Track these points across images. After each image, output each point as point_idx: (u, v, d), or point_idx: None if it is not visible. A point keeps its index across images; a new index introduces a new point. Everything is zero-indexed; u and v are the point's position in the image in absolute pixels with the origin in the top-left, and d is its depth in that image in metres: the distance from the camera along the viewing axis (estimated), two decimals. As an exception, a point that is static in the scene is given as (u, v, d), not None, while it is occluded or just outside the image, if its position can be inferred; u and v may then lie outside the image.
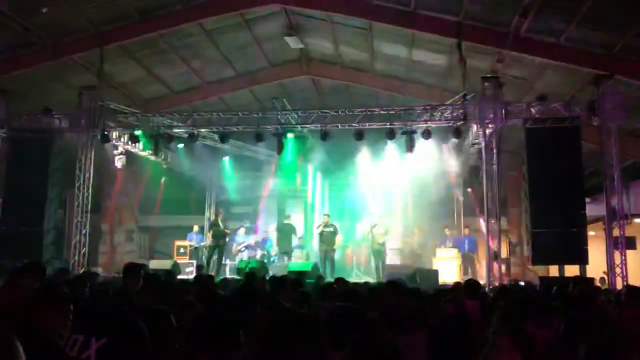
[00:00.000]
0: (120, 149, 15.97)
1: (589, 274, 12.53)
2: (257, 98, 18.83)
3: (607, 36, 12.07)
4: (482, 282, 13.25)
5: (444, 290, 7.44)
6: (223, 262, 17.16)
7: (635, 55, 12.23)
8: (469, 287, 6.93)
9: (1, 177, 14.45)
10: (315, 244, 17.36)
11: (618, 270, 11.99)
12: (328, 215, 16.40)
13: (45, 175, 14.07)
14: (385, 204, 17.14)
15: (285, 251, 16.74)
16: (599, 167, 13.21)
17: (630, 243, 13.11)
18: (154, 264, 14.74)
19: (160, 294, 5.38)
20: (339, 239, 16.22)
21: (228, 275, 15.12)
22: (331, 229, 16.01)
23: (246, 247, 17.38)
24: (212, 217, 17.02)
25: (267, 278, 8.70)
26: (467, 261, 15.75)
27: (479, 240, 15.83)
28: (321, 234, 16.07)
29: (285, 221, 17.60)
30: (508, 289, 9.26)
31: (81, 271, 13.10)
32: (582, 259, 12.40)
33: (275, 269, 14.50)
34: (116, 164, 16.22)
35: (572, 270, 13.50)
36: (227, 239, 16.60)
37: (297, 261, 15.95)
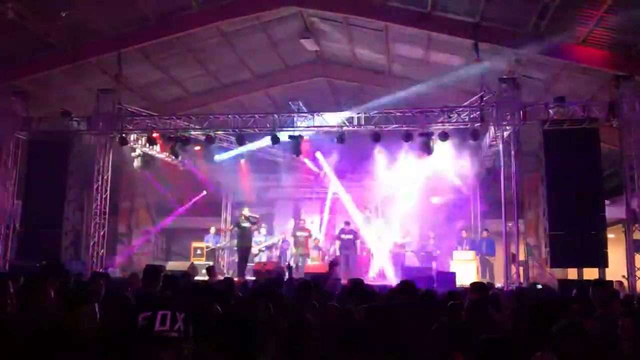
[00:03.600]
0: (138, 151, 16.08)
1: (609, 277, 12.38)
2: (273, 100, 18.88)
3: (626, 37, 11.95)
4: (499, 285, 13.21)
5: (458, 293, 7.36)
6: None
7: (655, 55, 12.10)
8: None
9: (21, 179, 14.61)
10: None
11: (639, 274, 11.84)
12: (348, 223, 16.58)
13: (64, 177, 14.20)
14: (402, 205, 17.08)
15: (301, 254, 16.79)
16: (618, 169, 13.05)
17: (651, 246, 12.92)
18: (171, 266, 14.83)
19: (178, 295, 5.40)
20: (357, 243, 16.41)
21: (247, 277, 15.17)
22: (350, 236, 16.18)
23: (266, 247, 17.45)
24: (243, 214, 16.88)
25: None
26: (485, 264, 15.65)
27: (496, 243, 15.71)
28: (341, 239, 16.25)
29: (300, 226, 17.61)
30: (524, 291, 9.22)
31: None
32: (601, 262, 12.24)
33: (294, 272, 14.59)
34: (134, 166, 16.34)
35: (591, 273, 13.35)
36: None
37: (314, 263, 16.04)
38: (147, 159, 16.43)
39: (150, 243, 20.91)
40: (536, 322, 3.80)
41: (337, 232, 17.38)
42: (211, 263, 16.84)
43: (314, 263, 16.19)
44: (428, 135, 13.71)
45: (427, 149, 13.83)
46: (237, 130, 14.67)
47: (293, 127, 14.34)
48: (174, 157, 16.53)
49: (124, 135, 14.62)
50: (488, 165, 16.13)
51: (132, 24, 14.31)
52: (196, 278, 12.02)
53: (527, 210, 17.97)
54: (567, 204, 12.23)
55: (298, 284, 6.16)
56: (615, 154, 12.91)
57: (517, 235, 12.97)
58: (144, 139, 15.59)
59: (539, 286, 11.57)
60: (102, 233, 14.39)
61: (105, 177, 14.54)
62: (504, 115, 12.82)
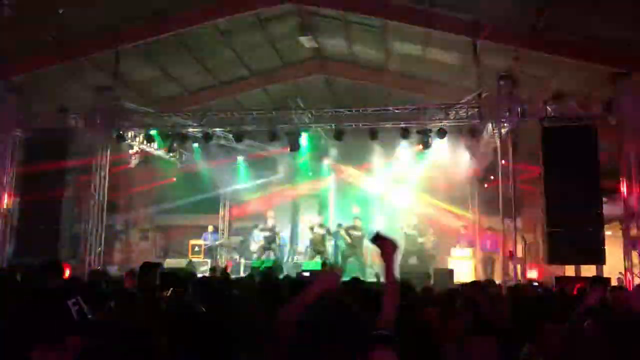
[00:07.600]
0: (136, 149, 16.05)
1: (606, 275, 12.39)
2: (271, 97, 18.85)
3: (625, 33, 11.92)
4: (498, 281, 13.20)
5: (456, 291, 7.36)
6: (237, 260, 17.29)
7: (654, 53, 12.07)
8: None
9: (18, 176, 14.57)
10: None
11: (636, 270, 11.85)
12: (359, 218, 16.34)
13: (62, 175, 14.16)
14: (400, 203, 17.08)
15: (319, 251, 16.56)
16: (616, 166, 13.05)
17: (648, 243, 12.92)
18: (169, 263, 14.82)
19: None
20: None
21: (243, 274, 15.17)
22: (360, 233, 15.93)
23: (264, 243, 17.45)
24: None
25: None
26: (488, 261, 15.62)
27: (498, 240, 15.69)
28: (352, 237, 15.98)
29: (318, 224, 17.46)
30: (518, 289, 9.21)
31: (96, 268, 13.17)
32: (598, 259, 12.24)
33: (289, 268, 14.62)
34: (131, 164, 16.31)
35: (588, 271, 13.35)
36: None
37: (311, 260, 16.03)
38: (144, 156, 16.42)
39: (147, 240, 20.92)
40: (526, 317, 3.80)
41: (342, 226, 16.82)
42: (209, 260, 16.94)
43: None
44: (426, 133, 13.70)
45: (425, 146, 13.82)
46: (235, 127, 14.65)
47: (291, 124, 14.34)
48: (171, 155, 16.54)
49: (121, 132, 14.60)
50: (486, 163, 16.11)
51: (130, 21, 14.26)
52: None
53: (525, 208, 17.93)
54: (565, 201, 12.22)
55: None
56: (613, 151, 12.89)
57: (515, 233, 12.97)
58: (141, 136, 15.57)
59: (535, 283, 11.60)
60: (99, 230, 14.35)
61: (103, 174, 14.51)
62: (502, 112, 12.81)
